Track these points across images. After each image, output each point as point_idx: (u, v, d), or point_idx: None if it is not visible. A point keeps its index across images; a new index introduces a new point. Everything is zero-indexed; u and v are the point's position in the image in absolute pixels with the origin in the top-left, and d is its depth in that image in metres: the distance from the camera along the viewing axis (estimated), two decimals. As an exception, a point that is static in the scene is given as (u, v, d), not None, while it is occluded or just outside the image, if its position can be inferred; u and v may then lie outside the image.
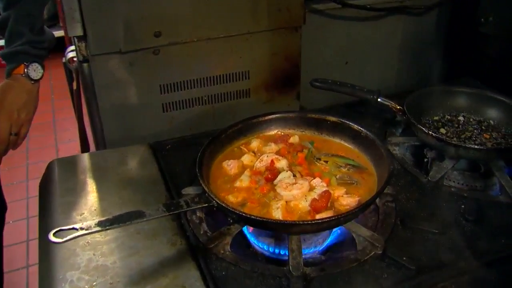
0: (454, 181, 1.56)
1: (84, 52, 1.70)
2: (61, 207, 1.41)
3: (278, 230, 1.26)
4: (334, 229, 1.41)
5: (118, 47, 1.65)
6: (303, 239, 1.35)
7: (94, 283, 1.16)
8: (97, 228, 1.11)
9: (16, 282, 3.05)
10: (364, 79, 2.11)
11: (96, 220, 1.13)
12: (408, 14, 2.17)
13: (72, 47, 1.86)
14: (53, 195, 1.48)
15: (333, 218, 1.19)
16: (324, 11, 1.97)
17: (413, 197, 1.47)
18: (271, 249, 1.36)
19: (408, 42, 2.25)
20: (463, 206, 1.43)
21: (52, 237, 1.08)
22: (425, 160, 1.67)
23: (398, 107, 1.69)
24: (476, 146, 1.55)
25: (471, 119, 1.77)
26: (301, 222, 1.21)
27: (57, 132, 4.79)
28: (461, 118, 1.78)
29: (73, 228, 1.10)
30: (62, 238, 1.08)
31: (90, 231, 1.11)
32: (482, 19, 2.04)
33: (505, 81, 1.91)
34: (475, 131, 1.70)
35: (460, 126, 1.73)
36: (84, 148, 2.25)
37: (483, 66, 2.12)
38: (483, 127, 1.72)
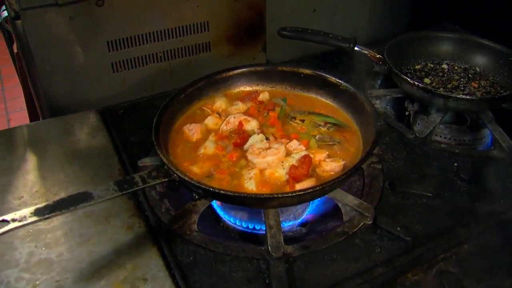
0: (441, 136, 1.43)
1: (15, 7, 1.45)
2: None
3: (253, 206, 1.08)
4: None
5: (53, -2, 1.41)
6: (281, 211, 1.19)
7: (37, 282, 0.96)
8: (34, 218, 0.91)
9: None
10: (334, 27, 1.91)
11: (32, 208, 0.92)
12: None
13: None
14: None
15: (317, 188, 1.02)
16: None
17: (400, 157, 1.31)
18: (244, 224, 1.19)
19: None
20: (456, 164, 1.29)
21: (-22, 233, 0.87)
22: (407, 113, 1.52)
23: (378, 55, 1.52)
24: (467, 97, 1.40)
25: (456, 67, 1.61)
26: (280, 195, 1.02)
27: (7, 100, 4.47)
28: (445, 66, 1.62)
29: (4, 221, 0.89)
30: (-9, 233, 0.87)
31: (24, 222, 0.90)
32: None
33: (485, 24, 1.75)
34: (462, 79, 1.55)
35: (445, 75, 1.58)
36: (34, 117, 2.01)
37: (461, 8, 1.95)
38: (469, 75, 1.57)
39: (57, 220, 1.09)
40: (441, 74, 1.57)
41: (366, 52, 1.54)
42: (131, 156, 1.29)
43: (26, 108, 2.16)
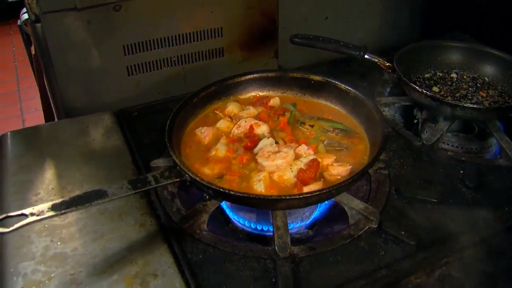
0: (448, 144, 1.45)
1: (36, 10, 1.49)
2: (14, 187, 1.24)
3: (261, 207, 1.11)
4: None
5: (73, 3, 1.46)
6: (288, 213, 1.22)
7: (52, 275, 1.00)
8: (51, 213, 0.95)
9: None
10: (346, 35, 1.94)
11: (50, 204, 0.96)
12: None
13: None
14: (5, 173, 1.30)
15: (324, 191, 1.05)
16: (303, -39, 1.79)
17: (407, 163, 1.34)
18: (253, 225, 1.22)
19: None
20: (461, 172, 1.31)
21: (-3, 226, 0.91)
22: (415, 121, 1.55)
23: (387, 64, 1.54)
24: (474, 106, 1.42)
25: (465, 76, 1.63)
26: (288, 197, 1.06)
27: (22, 101, 4.56)
28: (454, 75, 1.64)
29: (22, 215, 0.94)
30: (8, 227, 0.91)
31: (42, 216, 0.94)
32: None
33: (496, 34, 1.78)
34: (470, 88, 1.57)
35: (454, 83, 1.60)
36: (49, 118, 2.06)
37: (472, 18, 1.97)
38: (478, 85, 1.59)
39: (72, 216, 1.13)
40: (449, 83, 1.59)
41: (376, 60, 1.56)
42: (144, 157, 1.32)
43: (41, 109, 2.22)
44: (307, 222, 1.25)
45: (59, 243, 1.07)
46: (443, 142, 1.45)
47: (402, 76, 1.46)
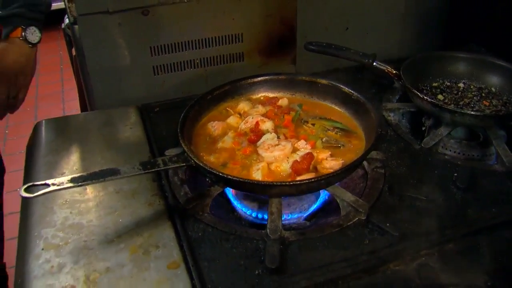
0: (450, 150, 1.51)
1: (74, 13, 1.66)
2: (44, 167, 1.40)
3: (256, 192, 1.23)
4: (321, 195, 1.37)
5: (105, 7, 1.61)
6: (288, 204, 1.32)
7: (69, 241, 1.14)
8: (70, 184, 1.09)
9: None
10: (366, 46, 2.03)
11: (69, 177, 1.10)
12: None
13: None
14: (37, 155, 1.46)
15: (313, 179, 1.15)
16: (322, -28, 1.90)
17: (404, 164, 1.42)
18: (254, 214, 1.33)
19: (412, 9, 2.16)
20: (455, 174, 1.38)
21: (23, 192, 1.05)
22: (423, 128, 1.62)
23: (394, 71, 1.63)
24: (472, 112, 1.49)
25: (472, 86, 1.70)
26: (279, 183, 1.17)
27: (65, 102, 4.82)
28: (461, 85, 1.71)
29: (45, 184, 1.08)
30: (33, 193, 1.06)
31: (62, 186, 1.08)
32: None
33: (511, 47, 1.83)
34: (475, 98, 1.63)
35: (460, 93, 1.67)
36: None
37: (489, 32, 2.03)
38: (483, 94, 1.65)
39: (91, 193, 1.27)
40: (455, 92, 1.66)
41: (384, 68, 1.65)
42: (160, 147, 1.45)
43: (79, 108, 2.40)
44: (305, 214, 1.35)
45: (77, 215, 1.21)
46: (445, 148, 1.51)
47: (406, 83, 1.54)
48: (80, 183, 1.10)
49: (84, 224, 1.18)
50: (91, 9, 1.62)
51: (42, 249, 1.12)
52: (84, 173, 1.12)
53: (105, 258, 1.10)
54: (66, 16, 1.94)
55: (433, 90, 1.68)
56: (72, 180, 1.10)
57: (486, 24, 1.99)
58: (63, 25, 2.06)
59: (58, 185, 1.08)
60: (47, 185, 1.08)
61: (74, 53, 2.28)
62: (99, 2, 1.61)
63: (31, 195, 1.06)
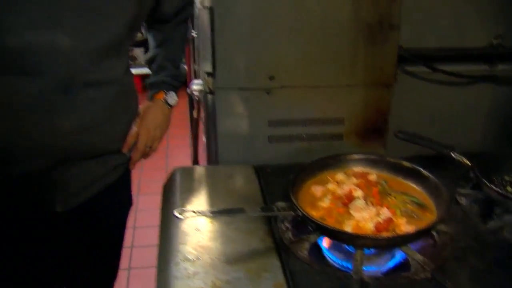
0: (514, 236, 1.76)
1: (211, 86, 2.10)
2: (180, 201, 1.82)
3: (345, 241, 1.56)
4: (396, 255, 1.68)
5: (239, 84, 2.07)
6: (368, 259, 1.64)
7: (200, 257, 1.53)
8: (209, 214, 1.50)
9: (146, 256, 3.89)
10: (448, 138, 2.31)
11: (210, 209, 1.51)
12: (497, 83, 2.36)
13: (197, 81, 2.25)
14: (174, 193, 1.89)
15: (391, 237, 1.48)
16: (415, 73, 2.27)
17: (469, 239, 1.69)
18: (340, 262, 1.65)
19: (497, 109, 2.42)
20: (515, 255, 1.63)
21: (176, 213, 1.47)
22: (492, 215, 1.88)
23: (467, 162, 1.93)
24: (531, 204, 1.75)
25: (546, 183, 1.95)
26: (364, 235, 1.51)
27: (169, 157, 5.38)
28: (531, 180, 1.97)
29: (192, 211, 1.49)
30: (183, 217, 1.47)
31: (203, 215, 1.49)
32: None
33: None
34: (542, 192, 1.88)
35: (531, 187, 1.92)
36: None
37: None
38: (551, 190, 1.90)
39: (217, 226, 1.66)
40: (524, 186, 1.93)
41: (460, 159, 1.95)
42: (271, 199, 1.82)
43: (191, 163, 2.82)
44: (382, 269, 1.66)
45: (207, 240, 1.60)
46: (510, 233, 1.76)
47: (477, 172, 1.84)
48: (215, 215, 1.50)
49: (212, 247, 1.57)
50: (228, 85, 2.07)
51: (181, 259, 1.52)
52: (221, 208, 1.53)
53: (226, 273, 1.46)
54: (193, 83, 2.32)
55: (504, 182, 1.96)
56: (211, 212, 1.51)
57: None
58: (188, 91, 2.43)
59: (200, 213, 1.49)
60: (194, 212, 1.49)
61: (195, 115, 2.76)
62: (234, 80, 2.06)
63: (182, 217, 1.47)
